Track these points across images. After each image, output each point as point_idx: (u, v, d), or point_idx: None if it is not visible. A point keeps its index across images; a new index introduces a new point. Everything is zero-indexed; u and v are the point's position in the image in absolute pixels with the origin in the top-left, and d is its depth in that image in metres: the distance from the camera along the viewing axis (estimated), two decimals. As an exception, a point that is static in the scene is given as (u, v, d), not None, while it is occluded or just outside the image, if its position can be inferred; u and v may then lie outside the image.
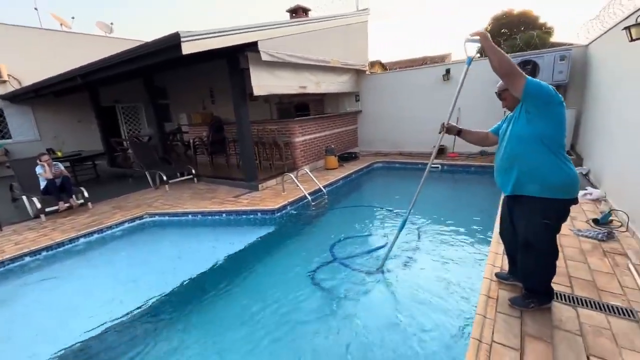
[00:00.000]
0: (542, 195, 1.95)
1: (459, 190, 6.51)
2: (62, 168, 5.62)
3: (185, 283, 3.37)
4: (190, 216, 5.11)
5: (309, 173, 5.87)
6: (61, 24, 11.38)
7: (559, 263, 2.67)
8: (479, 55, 2.29)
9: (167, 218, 5.15)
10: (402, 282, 3.05)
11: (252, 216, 4.96)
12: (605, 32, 4.85)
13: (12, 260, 3.90)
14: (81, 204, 5.61)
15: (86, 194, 5.61)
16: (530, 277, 2.19)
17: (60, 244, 4.30)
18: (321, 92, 7.88)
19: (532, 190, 1.97)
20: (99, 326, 2.73)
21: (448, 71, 7.74)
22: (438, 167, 7.26)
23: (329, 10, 8.77)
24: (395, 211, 4.97)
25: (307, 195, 5.35)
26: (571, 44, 6.75)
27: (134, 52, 4.79)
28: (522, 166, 1.99)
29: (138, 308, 2.95)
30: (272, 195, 5.61)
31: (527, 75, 1.85)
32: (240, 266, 3.73)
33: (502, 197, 2.44)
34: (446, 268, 3.25)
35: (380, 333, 2.39)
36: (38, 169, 5.31)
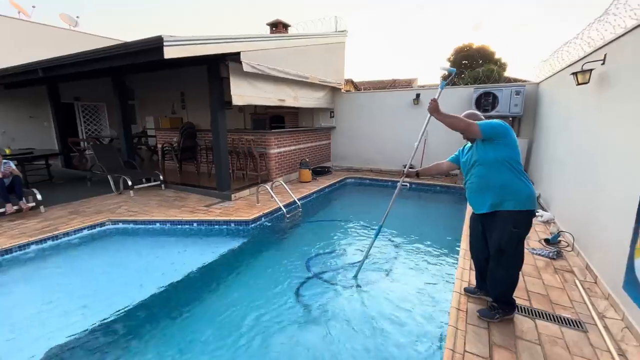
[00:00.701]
0: (514, 208, 2.22)
1: (427, 207, 6.87)
2: (13, 167, 5.13)
3: (151, 297, 3.19)
4: (158, 225, 4.87)
5: (284, 185, 5.89)
6: (19, 12, 10.54)
7: (519, 278, 2.94)
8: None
9: (132, 226, 4.87)
10: (375, 297, 3.14)
11: (225, 227, 4.85)
12: (553, 74, 5.51)
13: (-52, 268, 3.46)
14: (32, 208, 5.13)
15: (39, 197, 5.15)
16: (498, 286, 2.40)
17: (8, 251, 3.89)
18: (298, 106, 8.01)
19: (506, 205, 2.24)
20: (48, 347, 2.46)
21: (418, 96, 8.26)
22: (407, 186, 7.55)
23: (309, 28, 8.99)
24: (366, 225, 5.13)
25: (282, 207, 5.35)
26: (523, 80, 7.57)
27: (112, 50, 4.59)
28: (495, 187, 2.26)
29: (97, 323, 2.74)
30: (246, 206, 5.53)
31: (478, 122, 2.23)
32: (212, 279, 3.61)
33: (470, 215, 2.63)
34: (417, 283, 3.41)
35: (357, 346, 2.44)
36: (-16, 167, 4.81)
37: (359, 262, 3.62)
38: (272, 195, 5.50)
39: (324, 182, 7.51)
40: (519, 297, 2.70)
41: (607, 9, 3.07)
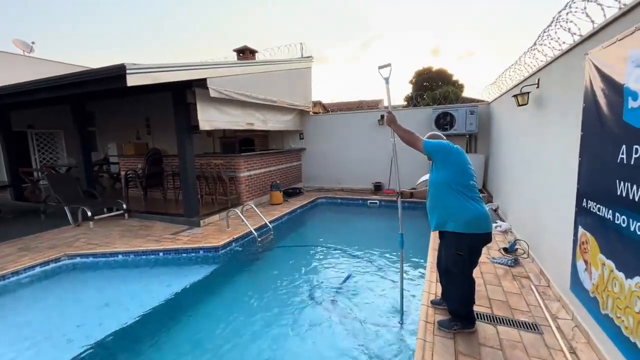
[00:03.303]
0: (455, 230, 2.34)
1: (395, 224, 7.04)
2: (-46, 202, 4.70)
3: (113, 334, 3.00)
4: (120, 256, 4.62)
5: (255, 208, 5.85)
6: (-34, 38, 9.96)
7: (481, 287, 3.10)
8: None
9: (91, 259, 4.58)
10: (344, 313, 3.16)
11: (193, 254, 4.69)
12: (501, 95, 6.06)
13: None
14: (-25, 246, 4.69)
15: (-16, 234, 4.73)
16: (451, 300, 2.56)
17: (-56, 297, 3.51)
18: (267, 129, 8.10)
19: (449, 226, 2.37)
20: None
21: (382, 117, 8.66)
22: (376, 203, 7.82)
23: (276, 53, 9.28)
24: (339, 249, 5.12)
25: (253, 230, 5.29)
26: (480, 100, 8.19)
27: (73, 77, 4.46)
28: (439, 207, 2.42)
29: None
30: (216, 232, 5.41)
31: (425, 139, 2.43)
32: (179, 311, 3.45)
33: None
34: (385, 297, 3.47)
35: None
36: None
37: (340, 285, 3.63)
38: (242, 219, 5.43)
39: (296, 204, 7.53)
40: (482, 305, 2.84)
41: (535, 41, 3.49)
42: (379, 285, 3.77)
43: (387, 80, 2.87)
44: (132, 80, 4.02)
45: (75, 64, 11.51)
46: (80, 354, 2.72)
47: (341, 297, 3.51)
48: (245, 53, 9.45)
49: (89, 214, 5.84)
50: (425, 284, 3.29)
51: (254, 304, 3.49)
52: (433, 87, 27.48)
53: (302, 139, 9.79)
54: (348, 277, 3.86)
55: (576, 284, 2.55)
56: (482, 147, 7.68)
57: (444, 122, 7.56)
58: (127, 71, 3.97)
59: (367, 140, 8.95)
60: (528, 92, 3.74)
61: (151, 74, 4.25)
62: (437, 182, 2.40)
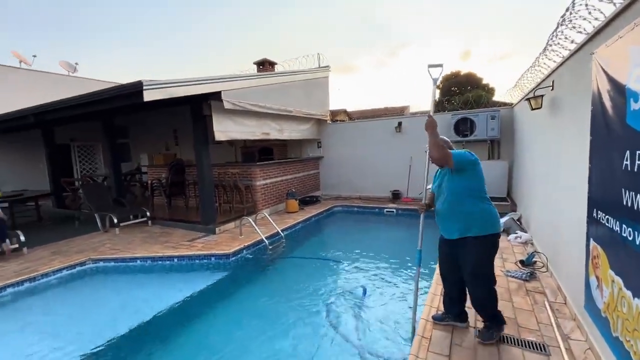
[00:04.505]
0: (480, 233, 2.34)
1: (412, 233, 6.84)
2: (-1, 210, 5.22)
3: (126, 335, 3.15)
4: (138, 261, 4.87)
5: (267, 216, 5.94)
6: (21, 62, 11.17)
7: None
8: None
9: (112, 264, 4.87)
10: (348, 323, 3.10)
11: (205, 261, 4.84)
12: (521, 99, 5.76)
13: None
14: (15, 249, 5.15)
15: (22, 238, 5.19)
16: (485, 305, 2.47)
17: (-17, 295, 3.88)
18: (284, 139, 8.25)
19: (473, 231, 2.35)
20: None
21: (400, 124, 8.53)
22: (393, 212, 7.65)
23: (294, 64, 9.48)
24: (353, 259, 5.00)
25: (264, 239, 5.37)
26: (511, 103, 7.79)
27: (95, 95, 4.86)
28: (462, 214, 2.38)
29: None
30: (229, 239, 5.55)
31: (452, 153, 2.34)
32: (187, 317, 3.56)
33: (439, 240, 2.67)
34: (390, 309, 3.37)
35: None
36: (-31, 211, 4.90)
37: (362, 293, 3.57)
38: (255, 228, 5.53)
39: (311, 212, 7.55)
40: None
41: (547, 41, 3.31)
42: (392, 300, 3.63)
43: (435, 81, 2.75)
44: (148, 96, 4.29)
45: (110, 81, 12.45)
46: (94, 352, 2.89)
47: (351, 311, 3.41)
48: (265, 65, 9.74)
49: (115, 220, 6.23)
50: (428, 297, 3.16)
51: (259, 315, 3.50)
52: (462, 92, 26.69)
53: (320, 147, 9.85)
54: (364, 293, 3.71)
55: (589, 302, 2.33)
56: (506, 153, 7.30)
57: (463, 128, 7.30)
58: (144, 87, 4.24)
59: (385, 148, 8.84)
60: (542, 96, 3.53)
61: (166, 89, 4.51)
62: (457, 191, 2.39)
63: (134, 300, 3.99)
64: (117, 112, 6.57)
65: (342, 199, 9.23)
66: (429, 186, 3.00)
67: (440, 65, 2.80)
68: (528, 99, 3.74)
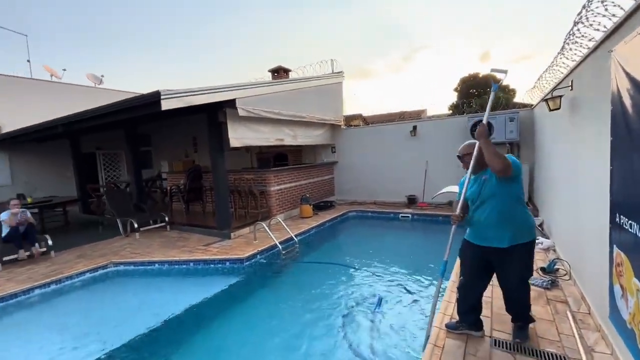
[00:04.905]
0: (529, 239, 2.32)
1: (428, 240, 6.70)
2: (29, 215, 5.52)
3: (142, 336, 3.25)
4: (156, 265, 5.01)
5: (281, 221, 5.98)
6: (52, 75, 11.86)
7: (504, 310, 2.82)
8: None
9: (132, 267, 5.03)
10: (361, 332, 3.06)
11: (220, 265, 4.92)
12: (541, 100, 5.56)
13: (-44, 313, 3.68)
14: (43, 253, 5.43)
15: (50, 242, 5.46)
16: (525, 307, 2.49)
17: (13, 295, 4.10)
18: (298, 144, 8.32)
19: (523, 238, 2.29)
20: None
21: (415, 127, 8.42)
22: (408, 217, 7.53)
23: (308, 71, 9.58)
24: (367, 265, 4.93)
25: (278, 244, 5.40)
26: (531, 105, 7.53)
27: (117, 105, 5.09)
28: (514, 221, 2.29)
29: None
30: (243, 244, 5.62)
31: (510, 161, 2.17)
32: (200, 320, 3.63)
33: (465, 249, 2.52)
34: (403, 315, 3.30)
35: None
36: (3, 215, 5.22)
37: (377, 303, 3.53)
38: (268, 233, 5.58)
39: (325, 217, 7.55)
40: (502, 330, 2.58)
41: (565, 39, 3.19)
42: (407, 308, 3.54)
43: (495, 87, 2.53)
44: (165, 105, 4.46)
45: (133, 92, 13.00)
46: (112, 352, 3.00)
47: (365, 319, 3.34)
48: (280, 72, 9.90)
49: (136, 225, 6.45)
50: (441, 304, 3.07)
51: (271, 321, 3.50)
52: (481, 94, 26.09)
53: (334, 152, 9.86)
54: (380, 302, 3.58)
55: (614, 312, 2.20)
56: (526, 157, 7.04)
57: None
58: (162, 97, 4.41)
59: (400, 152, 8.74)
60: (560, 96, 3.40)
61: (183, 98, 4.67)
62: (508, 198, 2.27)
63: (152, 302, 4.10)
64: (139, 120, 6.85)
65: (357, 204, 9.17)
66: (447, 190, 2.92)
67: (505, 72, 2.46)
68: (546, 100, 3.61)
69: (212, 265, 4.94)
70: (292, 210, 7.86)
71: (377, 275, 4.48)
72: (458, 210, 2.44)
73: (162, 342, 3.20)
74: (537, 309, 2.91)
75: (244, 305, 3.97)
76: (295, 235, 5.91)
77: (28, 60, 12.00)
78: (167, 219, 7.00)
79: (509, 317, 2.75)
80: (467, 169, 2.41)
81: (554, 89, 4.01)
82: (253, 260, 5.08)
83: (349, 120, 12.09)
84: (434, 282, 4.08)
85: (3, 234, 5.21)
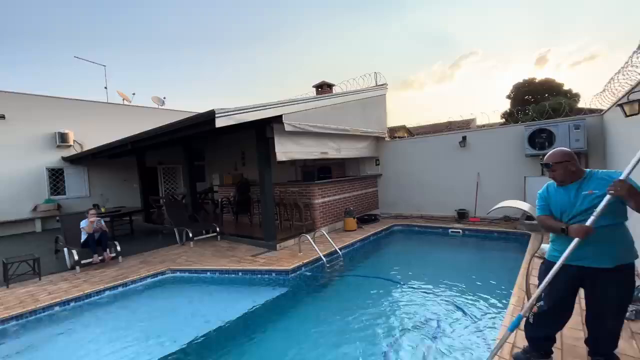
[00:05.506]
0: (633, 260, 2.07)
1: (483, 257, 6.24)
2: (103, 224, 6.20)
3: (195, 342, 3.42)
4: (208, 273, 5.29)
5: (325, 234, 6.00)
6: (123, 99, 13.43)
7: (579, 343, 2.51)
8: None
9: (187, 274, 5.37)
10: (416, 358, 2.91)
11: (266, 276, 5.05)
12: (613, 106, 4.99)
13: (44, 309, 4.20)
14: (113, 258, 6.02)
15: (119, 248, 6.06)
16: (616, 340, 2.19)
17: (88, 296, 4.59)
18: (342, 157, 8.37)
19: (629, 257, 2.05)
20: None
21: (464, 138, 8.02)
22: (459, 232, 7.10)
23: (352, 84, 9.70)
24: (416, 283, 4.71)
25: (323, 257, 5.41)
26: (599, 110, 6.78)
27: (176, 125, 5.58)
28: (617, 237, 2.05)
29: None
30: (289, 256, 5.72)
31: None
32: (248, 328, 3.74)
33: (551, 269, 2.14)
34: (461, 340, 3.07)
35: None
36: (83, 223, 5.92)
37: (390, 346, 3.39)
38: (313, 245, 5.62)
39: (369, 231, 7.41)
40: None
41: (643, 38, 2.85)
42: (465, 335, 3.25)
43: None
44: (219, 122, 4.78)
45: (191, 111, 14.18)
46: (167, 355, 3.19)
47: (417, 344, 3.16)
48: (323, 88, 10.14)
49: (191, 235, 6.91)
50: (506, 332, 2.81)
51: (317, 336, 3.46)
52: (537, 100, 24.16)
53: (378, 164, 9.74)
54: (438, 326, 3.34)
55: None
56: (595, 167, 6.30)
57: (539, 140, 6.56)
58: (216, 115, 4.75)
59: (448, 165, 8.36)
60: (638, 100, 3.02)
61: (234, 116, 4.98)
62: (620, 213, 2.03)
63: (204, 309, 4.32)
64: (195, 137, 7.41)
65: (402, 217, 8.89)
66: (507, 205, 2.69)
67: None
68: (621, 105, 3.23)
69: (259, 276, 5.08)
70: (335, 223, 7.86)
71: (429, 294, 4.24)
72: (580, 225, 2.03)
73: (213, 348, 3.33)
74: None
75: (289, 318, 4.00)
76: (340, 249, 5.88)
77: (105, 87, 13.74)
78: (217, 229, 7.40)
79: (585, 349, 2.43)
80: (557, 179, 2.20)
81: (630, 91, 3.58)
82: (298, 272, 5.14)
83: (392, 132, 11.91)
84: (494, 305, 3.77)
85: (81, 240, 5.90)
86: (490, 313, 3.60)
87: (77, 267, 5.56)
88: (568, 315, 2.27)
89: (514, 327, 2.23)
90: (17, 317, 4.00)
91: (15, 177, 10.25)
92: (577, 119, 6.38)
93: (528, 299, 2.92)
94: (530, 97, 26.33)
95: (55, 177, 11.15)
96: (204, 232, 7.49)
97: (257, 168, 6.37)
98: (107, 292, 4.75)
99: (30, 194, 10.47)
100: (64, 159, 11.09)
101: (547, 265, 2.26)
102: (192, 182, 8.42)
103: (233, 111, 4.97)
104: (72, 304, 4.42)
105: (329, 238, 5.96)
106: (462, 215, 7.81)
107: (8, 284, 4.96)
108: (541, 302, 2.24)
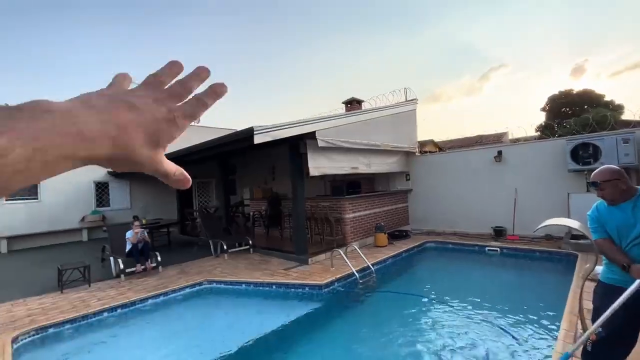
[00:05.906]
0: None
1: (525, 278, 5.91)
2: (146, 235, 6.57)
3: (232, 353, 3.50)
4: (243, 285, 5.41)
5: (358, 250, 5.98)
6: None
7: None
8: None
9: (223, 286, 5.52)
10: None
11: (300, 290, 5.08)
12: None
13: (94, 314, 4.48)
14: (154, 267, 6.33)
15: (159, 258, 6.36)
16: None
17: (133, 303, 4.84)
18: (372, 172, 8.38)
19: None
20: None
21: (500, 152, 7.78)
22: (497, 251, 6.80)
23: (382, 100, 9.79)
24: (453, 303, 4.52)
25: (355, 272, 5.38)
26: None
27: (218, 141, 5.90)
28: None
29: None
30: (321, 270, 5.74)
31: None
32: (282, 342, 3.78)
33: (616, 297, 1.97)
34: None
35: None
36: (128, 233, 6.30)
37: None
38: (345, 261, 5.62)
39: (401, 247, 7.28)
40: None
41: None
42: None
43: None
44: (257, 139, 5.02)
45: (227, 128, 14.85)
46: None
47: None
48: (353, 104, 10.31)
49: (225, 247, 7.13)
50: None
51: (354, 355, 3.45)
52: (575, 112, 22.98)
53: (409, 179, 9.62)
54: (487, 357, 3.14)
55: None
56: (651, 184, 5.88)
57: (584, 154, 6.24)
58: (255, 132, 4.99)
59: (483, 179, 8.12)
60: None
61: (271, 133, 5.20)
62: None
63: (240, 321, 4.42)
64: (231, 153, 7.74)
65: (435, 234, 8.65)
66: (556, 223, 2.57)
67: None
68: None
69: (292, 290, 5.13)
70: (366, 239, 7.80)
71: (472, 316, 4.07)
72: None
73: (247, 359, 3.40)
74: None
75: (323, 333, 4.00)
76: (372, 264, 5.82)
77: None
78: (250, 242, 7.58)
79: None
80: (607, 198, 2.09)
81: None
82: (331, 287, 5.13)
83: (421, 146, 11.78)
84: (543, 327, 3.57)
85: (126, 250, 6.27)
86: (539, 337, 3.41)
87: (122, 275, 5.89)
88: (631, 343, 2.11)
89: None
90: (71, 321, 4.29)
91: (69, 190, 11.16)
92: (625, 132, 6.03)
93: (582, 323, 2.75)
94: (567, 109, 25.14)
95: (101, 190, 12.01)
96: (237, 244, 7.69)
97: (290, 182, 6.53)
98: (150, 300, 4.98)
99: (79, 205, 11.33)
100: (109, 173, 11.94)
101: (602, 288, 2.15)
102: (227, 196, 8.74)
103: (270, 128, 5.19)
104: (119, 310, 4.68)
105: (361, 253, 5.92)
106: (499, 233, 7.48)
107: (62, 289, 5.35)
108: (599, 329, 2.07)
